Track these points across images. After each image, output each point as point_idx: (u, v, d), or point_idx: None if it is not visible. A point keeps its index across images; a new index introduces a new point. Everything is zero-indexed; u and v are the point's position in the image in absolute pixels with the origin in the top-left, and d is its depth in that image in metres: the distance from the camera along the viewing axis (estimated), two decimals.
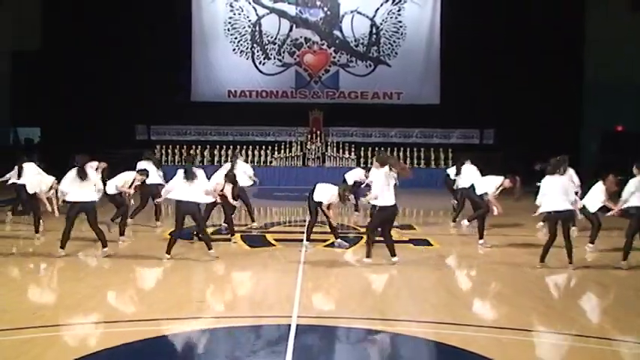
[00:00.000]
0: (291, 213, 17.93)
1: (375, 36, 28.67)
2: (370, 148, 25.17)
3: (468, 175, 13.02)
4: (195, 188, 10.17)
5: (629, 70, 25.94)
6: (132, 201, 13.34)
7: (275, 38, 28.69)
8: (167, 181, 11.41)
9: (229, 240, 12.02)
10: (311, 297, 8.29)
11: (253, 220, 13.68)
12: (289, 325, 6.89)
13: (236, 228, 12.58)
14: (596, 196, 11.25)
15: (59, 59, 26.91)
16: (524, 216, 13.32)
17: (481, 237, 11.88)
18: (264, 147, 25.92)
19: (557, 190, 9.84)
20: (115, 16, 26.49)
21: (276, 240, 12.42)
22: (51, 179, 11.98)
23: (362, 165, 21.25)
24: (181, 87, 28.07)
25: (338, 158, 25.52)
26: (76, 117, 26.17)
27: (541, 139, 23.29)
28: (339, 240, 11.71)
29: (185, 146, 25.00)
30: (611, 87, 26.00)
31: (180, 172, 10.31)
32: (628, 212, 10.19)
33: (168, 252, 10.17)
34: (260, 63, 28.73)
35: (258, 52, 28.72)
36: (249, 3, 28.51)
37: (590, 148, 26.34)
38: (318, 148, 26.07)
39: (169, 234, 10.87)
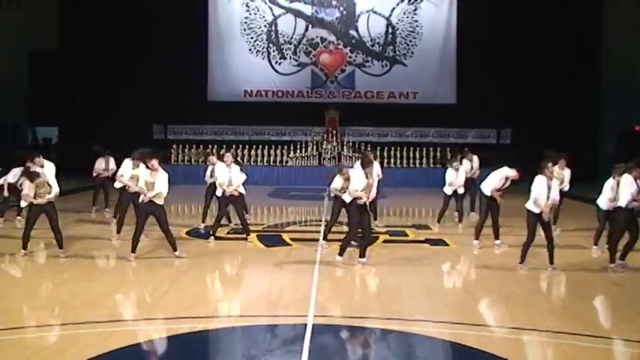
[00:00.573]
0: (307, 212, 17.95)
1: (391, 35, 28.62)
2: (386, 148, 25.19)
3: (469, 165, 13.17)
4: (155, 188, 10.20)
5: None
6: None
7: (291, 38, 28.72)
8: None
9: (245, 239, 12.06)
10: (327, 296, 8.32)
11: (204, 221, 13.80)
12: (305, 325, 6.92)
13: (252, 227, 12.63)
14: (616, 193, 10.89)
15: (76, 59, 27.09)
16: None
17: (496, 237, 11.84)
18: (280, 147, 26.00)
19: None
20: (132, 17, 26.64)
21: (292, 239, 12.47)
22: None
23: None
24: (197, 86, 28.14)
25: (354, 158, 25.50)
26: (93, 116, 26.35)
27: (558, 139, 23.11)
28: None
29: (202, 146, 25.11)
30: (628, 86, 25.80)
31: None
32: None
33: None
34: (276, 63, 28.77)
35: (274, 51, 28.77)
36: (265, 3, 28.56)
37: (607, 148, 26.12)
38: (334, 147, 26.09)
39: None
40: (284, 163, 25.67)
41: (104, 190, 15.78)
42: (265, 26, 28.65)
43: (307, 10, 28.52)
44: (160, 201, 10.21)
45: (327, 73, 28.66)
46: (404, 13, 28.43)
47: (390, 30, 28.55)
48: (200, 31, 28.12)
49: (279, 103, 28.34)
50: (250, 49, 28.69)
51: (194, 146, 25.21)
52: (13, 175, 12.99)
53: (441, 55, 28.42)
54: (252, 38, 28.67)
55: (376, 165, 13.07)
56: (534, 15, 26.39)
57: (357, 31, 28.64)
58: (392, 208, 17.99)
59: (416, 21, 28.44)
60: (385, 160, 24.54)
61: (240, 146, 24.86)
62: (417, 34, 28.47)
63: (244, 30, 28.66)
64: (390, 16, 28.50)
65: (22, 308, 7.73)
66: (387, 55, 28.63)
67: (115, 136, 23.66)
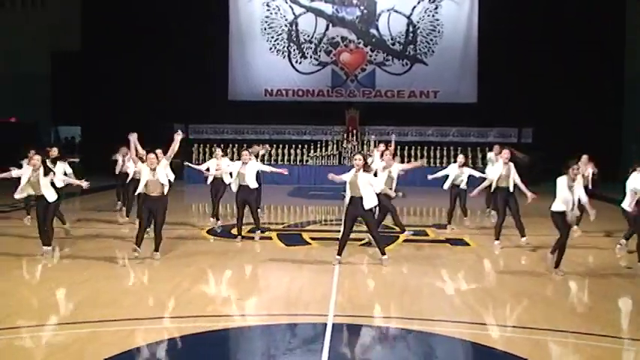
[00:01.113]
0: (327, 212, 17.96)
1: (411, 34, 28.56)
2: (407, 147, 25.10)
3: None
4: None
5: None
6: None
7: (311, 37, 28.75)
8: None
9: (270, 238, 12.10)
10: (347, 296, 8.30)
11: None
12: (325, 324, 6.92)
13: (272, 226, 12.64)
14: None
15: (98, 59, 27.36)
16: None
17: (497, 237, 11.73)
18: (300, 146, 26.03)
19: None
20: (153, 17, 26.84)
21: (312, 238, 12.47)
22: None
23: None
24: (218, 86, 28.24)
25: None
26: (115, 116, 26.56)
27: (580, 139, 22.88)
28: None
29: (222, 145, 25.17)
30: None
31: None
32: None
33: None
34: (296, 62, 28.83)
35: (294, 51, 28.82)
36: (286, 2, 28.63)
37: (631, 149, 25.76)
38: (355, 147, 26.07)
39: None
40: (304, 163, 25.70)
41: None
42: (286, 25, 28.72)
43: (328, 9, 28.54)
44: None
45: (347, 72, 28.66)
46: (425, 12, 28.36)
47: (410, 29, 28.49)
48: (221, 30, 28.26)
49: (299, 103, 28.39)
50: (271, 49, 28.78)
51: (214, 145, 25.25)
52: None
53: (462, 54, 28.31)
54: (272, 37, 28.75)
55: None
56: (556, 14, 26.21)
57: (377, 29, 28.61)
58: (412, 207, 17.97)
59: (437, 19, 28.35)
60: (405, 160, 24.46)
61: (261, 145, 24.84)
62: (438, 32, 28.39)
63: (265, 29, 28.75)
64: (411, 14, 28.44)
65: (43, 306, 7.80)
66: (408, 54, 28.58)
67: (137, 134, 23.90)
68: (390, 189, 11.45)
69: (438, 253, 11.26)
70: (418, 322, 7.16)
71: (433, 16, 28.39)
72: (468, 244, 12.24)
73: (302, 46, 28.79)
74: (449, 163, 24.98)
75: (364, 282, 9.24)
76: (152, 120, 25.67)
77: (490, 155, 15.44)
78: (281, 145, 25.85)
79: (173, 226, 13.12)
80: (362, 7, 28.56)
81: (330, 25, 28.69)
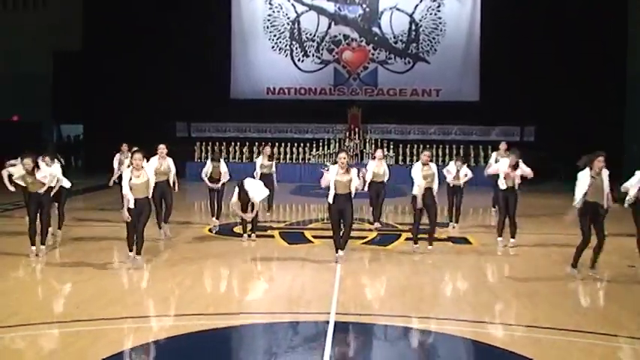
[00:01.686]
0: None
1: (414, 32, 28.51)
2: (409, 146, 25.06)
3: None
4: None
5: None
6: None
7: (314, 35, 28.72)
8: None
9: (272, 236, 12.10)
10: (349, 294, 8.29)
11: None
12: (327, 322, 6.92)
13: (274, 225, 12.63)
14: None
15: (100, 59, 27.36)
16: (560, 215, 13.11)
17: (499, 235, 11.71)
18: (302, 144, 25.99)
19: None
20: (154, 17, 26.82)
21: (314, 237, 12.47)
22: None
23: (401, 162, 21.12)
24: (220, 84, 28.23)
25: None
26: (117, 115, 26.59)
27: (582, 138, 22.79)
28: None
29: (224, 143, 25.21)
30: None
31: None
32: None
33: None
34: (299, 60, 28.80)
35: (296, 49, 28.79)
36: (288, 0, 28.60)
37: (633, 149, 25.61)
38: (357, 145, 26.03)
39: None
40: (306, 161, 25.67)
41: None
42: (288, 24, 28.70)
43: (330, 7, 28.51)
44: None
45: (349, 70, 28.63)
46: (427, 10, 28.31)
47: (413, 27, 28.44)
48: (223, 29, 28.24)
49: (301, 101, 28.36)
50: (273, 47, 28.76)
51: (217, 143, 25.26)
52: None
53: (464, 52, 28.26)
54: (274, 36, 28.73)
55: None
56: (558, 12, 26.13)
57: (379, 28, 28.57)
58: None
59: (439, 18, 28.30)
60: (408, 158, 24.47)
61: (263, 143, 24.85)
62: (441, 31, 28.34)
63: (267, 27, 28.73)
64: (413, 12, 28.39)
65: (44, 305, 7.81)
66: (410, 52, 28.53)
67: (138, 133, 23.90)
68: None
69: (440, 251, 11.24)
70: (420, 320, 7.16)
71: (435, 14, 28.33)
72: (470, 243, 12.23)
73: (304, 44, 28.76)
74: (451, 161, 25.03)
75: (366, 280, 9.24)
76: (154, 119, 25.70)
77: (494, 155, 15.32)
78: (283, 144, 25.81)
79: (175, 224, 13.12)
80: (364, 6, 28.51)
81: (333, 23, 28.64)
